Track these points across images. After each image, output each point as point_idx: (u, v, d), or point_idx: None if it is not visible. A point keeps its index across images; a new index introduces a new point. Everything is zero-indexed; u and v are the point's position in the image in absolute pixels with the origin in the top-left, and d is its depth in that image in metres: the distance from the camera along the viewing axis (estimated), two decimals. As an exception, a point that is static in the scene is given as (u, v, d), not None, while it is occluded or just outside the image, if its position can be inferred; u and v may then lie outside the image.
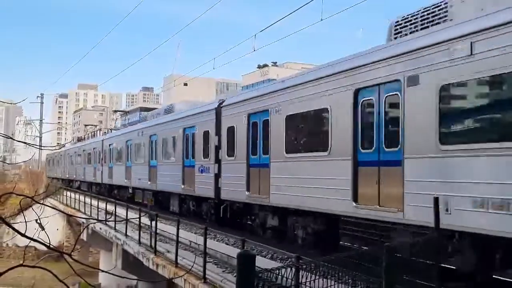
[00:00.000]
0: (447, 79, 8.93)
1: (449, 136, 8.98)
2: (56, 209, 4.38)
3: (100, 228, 25.32)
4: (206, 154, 19.51)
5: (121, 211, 23.22)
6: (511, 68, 7.85)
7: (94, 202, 29.02)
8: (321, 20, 16.92)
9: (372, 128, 10.97)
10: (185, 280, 12.18)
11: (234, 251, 13.38)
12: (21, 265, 2.92)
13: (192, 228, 17.65)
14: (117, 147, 34.34)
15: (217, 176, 18.37)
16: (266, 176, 14.98)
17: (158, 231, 16.22)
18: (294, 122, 13.87)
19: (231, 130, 17.47)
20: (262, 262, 9.16)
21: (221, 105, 18.55)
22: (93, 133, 57.62)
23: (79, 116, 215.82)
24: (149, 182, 26.64)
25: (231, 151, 17.45)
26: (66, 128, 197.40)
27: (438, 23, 10.10)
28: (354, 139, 11.40)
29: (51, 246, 3.12)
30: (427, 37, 9.68)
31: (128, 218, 19.90)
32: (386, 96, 10.58)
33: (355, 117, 11.38)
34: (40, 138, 70.47)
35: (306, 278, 4.95)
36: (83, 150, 46.91)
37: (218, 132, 18.52)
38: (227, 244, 15.66)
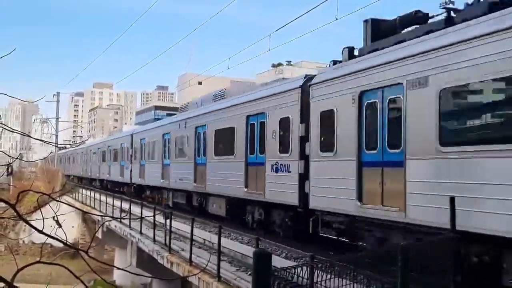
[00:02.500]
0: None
1: None
2: (74, 207, 4.40)
3: (115, 226, 25.51)
4: (284, 149, 15.20)
5: (135, 209, 23.36)
6: None
7: (109, 200, 29.23)
8: (336, 19, 16.86)
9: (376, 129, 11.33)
10: (199, 278, 12.22)
11: (248, 250, 13.39)
12: (38, 261, 2.95)
13: (206, 227, 17.69)
14: (151, 142, 30.00)
15: (303, 177, 14.08)
16: (397, 179, 10.51)
17: (172, 229, 16.28)
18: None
19: (328, 116, 13.05)
20: (276, 261, 9.15)
21: (311, 83, 13.93)
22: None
23: (95, 115, 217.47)
24: (194, 183, 22.39)
25: (327, 144, 13.04)
26: (82, 126, 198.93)
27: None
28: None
29: (68, 243, 3.14)
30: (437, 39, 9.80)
31: (142, 216, 19.99)
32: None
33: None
34: (56, 136, 71.12)
35: (322, 278, 4.92)
36: (108, 146, 43.11)
37: (305, 119, 14.24)
38: (241, 243, 15.67)
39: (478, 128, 9.08)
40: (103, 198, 31.36)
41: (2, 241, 43.34)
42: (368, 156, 11.49)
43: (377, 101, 11.27)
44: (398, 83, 10.50)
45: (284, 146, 15.24)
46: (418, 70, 9.93)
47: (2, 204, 3.07)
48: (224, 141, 19.61)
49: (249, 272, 11.38)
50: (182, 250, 15.25)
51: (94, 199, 34.51)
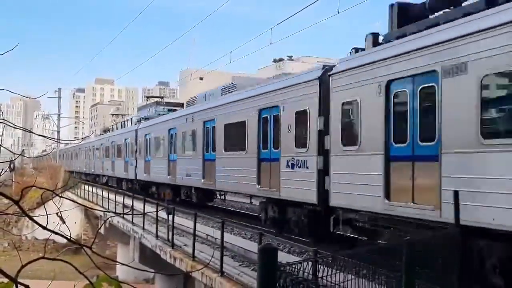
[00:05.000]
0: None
1: None
2: (77, 202, 4.39)
3: (118, 222, 25.54)
4: (301, 143, 14.38)
5: (138, 205, 23.36)
6: None
7: (112, 196, 29.25)
8: (338, 12, 16.80)
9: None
10: (202, 273, 12.22)
11: (251, 245, 13.38)
12: (42, 257, 2.93)
13: (209, 222, 17.69)
14: (156, 137, 29.50)
15: (323, 173, 13.34)
16: (430, 175, 9.79)
17: (175, 224, 16.29)
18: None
19: (349, 108, 12.41)
20: (280, 256, 9.14)
21: (330, 73, 13.09)
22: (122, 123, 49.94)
23: (96, 111, 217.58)
24: (203, 180, 21.75)
25: (350, 138, 12.29)
26: (83, 122, 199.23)
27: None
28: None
29: (71, 239, 3.13)
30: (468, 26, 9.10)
31: (145, 211, 19.98)
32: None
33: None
34: (58, 132, 71.22)
35: (327, 272, 4.90)
36: (112, 142, 42.17)
37: (324, 111, 13.41)
38: (244, 238, 15.67)
39: None
40: (105, 194, 31.40)
41: (5, 237, 43.46)
42: (397, 150, 10.64)
43: (407, 90, 10.44)
44: (432, 71, 9.66)
45: (300, 141, 14.38)
46: (454, 56, 9.15)
47: (5, 200, 3.04)
48: (235, 136, 18.84)
49: (252, 267, 11.38)
50: (185, 245, 15.26)
51: (97, 195, 34.56)
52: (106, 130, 56.17)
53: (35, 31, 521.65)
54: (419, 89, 10.16)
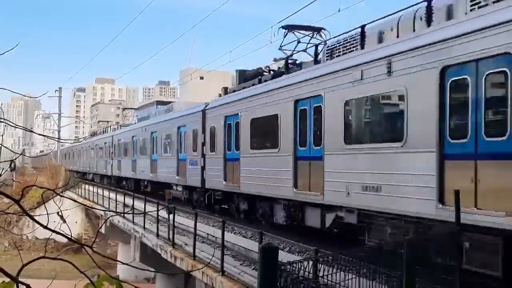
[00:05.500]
0: None
1: None
2: (77, 202, 4.39)
3: (118, 221, 25.54)
4: (194, 149, 16.26)
5: (138, 204, 23.36)
6: None
7: (112, 195, 29.26)
8: (339, 11, 16.78)
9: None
10: (203, 272, 12.22)
11: (251, 244, 13.37)
12: (43, 257, 2.93)
13: (209, 221, 17.69)
14: (164, 135, 28.43)
15: (203, 168, 15.88)
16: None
17: (176, 224, 16.29)
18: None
19: (214, 129, 14.80)
20: (280, 255, 9.13)
21: (205, 108, 15.88)
22: (105, 129, 55.10)
23: (97, 110, 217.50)
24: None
25: (212, 147, 14.51)
26: (84, 122, 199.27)
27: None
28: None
29: (72, 238, 3.13)
30: None
31: (146, 211, 19.99)
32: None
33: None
34: (59, 131, 71.17)
35: (328, 272, 4.90)
36: (118, 140, 40.47)
37: (203, 131, 15.81)
38: (245, 237, 15.66)
39: None
40: (106, 193, 31.41)
41: (6, 236, 43.48)
42: (231, 155, 10.58)
43: (232, 122, 10.15)
44: (237, 113, 10.47)
45: (194, 148, 17.24)
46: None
47: (6, 200, 3.05)
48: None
49: (253, 267, 11.38)
50: (186, 244, 15.26)
51: (97, 194, 34.57)
52: (93, 134, 62.66)
53: (35, 31, 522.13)
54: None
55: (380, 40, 11.99)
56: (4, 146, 3.24)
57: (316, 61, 15.22)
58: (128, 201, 25.12)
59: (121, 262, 26.73)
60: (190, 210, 16.80)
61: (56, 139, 45.58)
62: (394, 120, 11.11)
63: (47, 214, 3.06)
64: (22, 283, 2.63)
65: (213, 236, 14.72)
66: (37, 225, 3.08)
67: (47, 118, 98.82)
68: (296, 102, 14.74)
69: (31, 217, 3.01)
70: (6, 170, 3.36)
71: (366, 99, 11.67)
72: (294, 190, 14.31)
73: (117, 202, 27.42)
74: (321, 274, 5.10)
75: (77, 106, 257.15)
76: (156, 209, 17.92)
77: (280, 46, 17.81)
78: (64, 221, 3.26)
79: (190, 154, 23.28)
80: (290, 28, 17.83)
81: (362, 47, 12.48)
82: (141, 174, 32.66)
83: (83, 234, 42.73)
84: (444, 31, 9.56)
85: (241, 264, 12.21)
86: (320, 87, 13.50)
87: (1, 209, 3.36)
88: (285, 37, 17.71)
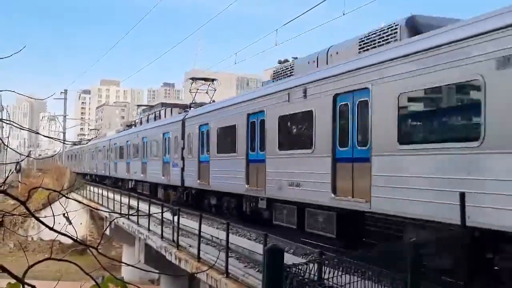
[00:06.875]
0: None
1: None
2: (82, 203, 4.40)
3: (123, 223, 25.59)
4: (176, 152, 18.14)
5: (143, 206, 23.39)
6: None
7: (117, 197, 29.33)
8: (344, 14, 16.82)
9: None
10: (207, 274, 12.23)
11: (256, 246, 13.38)
12: (48, 258, 2.94)
13: (214, 223, 17.70)
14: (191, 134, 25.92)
15: (182, 169, 19.06)
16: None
17: (180, 226, 16.31)
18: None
19: (191, 136, 17.84)
20: (285, 257, 9.12)
21: (185, 118, 19.07)
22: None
23: (102, 112, 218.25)
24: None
25: (190, 151, 17.81)
26: (89, 124, 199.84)
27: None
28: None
29: (78, 239, 3.14)
30: None
31: (150, 213, 20.02)
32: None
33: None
34: (64, 133, 71.40)
35: (333, 274, 4.90)
36: (127, 141, 37.99)
37: (183, 137, 18.18)
38: (249, 239, 15.66)
39: None
40: (110, 195, 31.49)
41: (11, 238, 43.61)
42: (204, 158, 12.21)
43: (205, 130, 11.84)
44: (206, 123, 13.17)
45: (176, 151, 22.58)
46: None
47: (12, 201, 3.06)
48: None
49: (257, 269, 11.38)
50: (190, 246, 15.27)
51: (102, 196, 34.66)
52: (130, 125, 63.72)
53: (41, 33, 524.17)
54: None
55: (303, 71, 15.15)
56: (10, 148, 3.25)
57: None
58: (133, 202, 25.17)
59: (125, 263, 26.80)
60: (194, 212, 16.80)
61: (61, 141, 45.62)
62: (306, 133, 13.93)
63: (53, 215, 3.08)
64: (28, 285, 2.64)
65: (218, 238, 14.74)
66: (42, 227, 3.09)
67: (52, 120, 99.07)
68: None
69: (37, 218, 3.03)
70: (12, 172, 3.38)
71: (292, 116, 14.78)
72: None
73: (122, 204, 27.48)
74: (325, 276, 5.10)
75: (82, 108, 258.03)
76: (160, 211, 17.96)
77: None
78: (70, 223, 3.27)
79: (172, 157, 26.34)
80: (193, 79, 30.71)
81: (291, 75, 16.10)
82: (134, 175, 35.51)
83: (88, 235, 42.80)
84: (336, 69, 12.69)
85: (245, 266, 12.21)
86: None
87: (7, 210, 3.38)
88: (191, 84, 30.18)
